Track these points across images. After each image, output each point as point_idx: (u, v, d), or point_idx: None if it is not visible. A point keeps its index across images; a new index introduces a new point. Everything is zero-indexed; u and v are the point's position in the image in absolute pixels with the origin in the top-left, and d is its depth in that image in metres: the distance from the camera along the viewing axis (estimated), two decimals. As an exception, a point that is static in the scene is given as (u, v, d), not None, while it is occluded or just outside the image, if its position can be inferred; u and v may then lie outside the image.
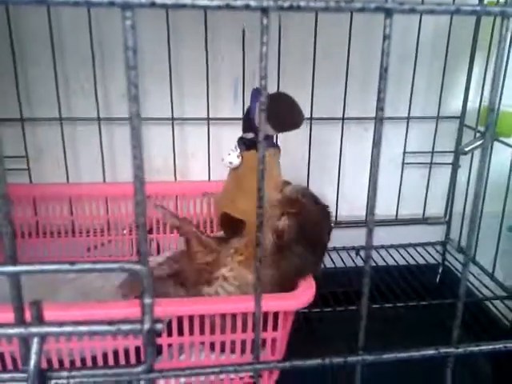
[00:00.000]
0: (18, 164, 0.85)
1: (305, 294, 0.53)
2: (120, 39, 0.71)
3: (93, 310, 0.49)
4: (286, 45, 0.84)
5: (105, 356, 0.53)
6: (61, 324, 0.25)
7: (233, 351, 0.56)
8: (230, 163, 0.65)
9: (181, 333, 0.53)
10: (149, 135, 0.88)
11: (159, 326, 0.25)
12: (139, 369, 0.26)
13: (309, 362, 0.28)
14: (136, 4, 0.21)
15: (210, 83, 0.85)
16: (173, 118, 0.86)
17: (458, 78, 0.91)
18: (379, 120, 0.25)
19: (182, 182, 0.90)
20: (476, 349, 0.30)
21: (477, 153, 0.90)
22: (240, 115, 0.87)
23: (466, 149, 0.87)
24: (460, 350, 0.30)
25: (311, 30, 0.83)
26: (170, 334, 0.53)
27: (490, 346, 0.30)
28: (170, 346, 0.55)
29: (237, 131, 0.88)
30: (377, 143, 0.25)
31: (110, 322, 0.25)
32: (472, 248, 0.28)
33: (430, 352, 0.29)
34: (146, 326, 0.25)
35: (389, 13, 0.23)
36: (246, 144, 0.66)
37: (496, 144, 0.85)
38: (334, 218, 0.96)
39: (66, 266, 0.24)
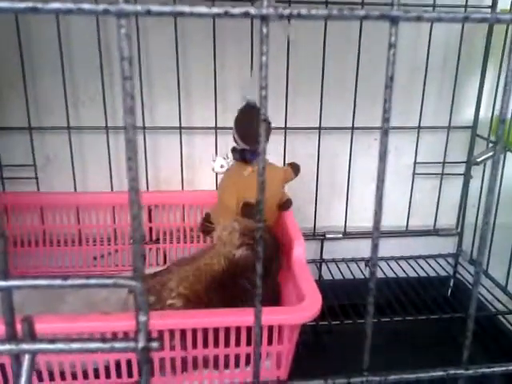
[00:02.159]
0: (26, 173, 0.85)
1: (311, 307, 0.52)
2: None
3: (85, 323, 0.48)
4: (294, 54, 0.84)
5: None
6: (53, 341, 0.24)
7: (237, 365, 0.55)
8: (222, 166, 0.73)
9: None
10: (157, 144, 0.88)
11: (155, 344, 0.24)
12: (134, 388, 0.25)
13: (311, 382, 0.27)
14: (131, 12, 0.20)
15: (218, 93, 0.84)
16: (180, 127, 0.85)
17: (470, 86, 0.90)
18: (384, 131, 0.24)
19: (190, 191, 0.89)
20: (488, 370, 0.29)
21: (489, 163, 0.88)
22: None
23: (478, 159, 0.85)
24: (470, 372, 0.28)
25: (320, 39, 0.83)
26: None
27: (503, 368, 0.29)
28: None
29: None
30: (382, 156, 0.24)
31: (104, 339, 0.24)
32: (484, 262, 0.27)
33: (439, 373, 0.28)
34: (141, 343, 0.24)
35: (394, 21, 0.22)
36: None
37: (509, 154, 0.83)
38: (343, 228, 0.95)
39: (59, 282, 0.24)
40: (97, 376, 0.52)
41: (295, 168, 0.76)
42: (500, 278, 0.87)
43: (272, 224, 0.73)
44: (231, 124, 0.87)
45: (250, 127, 0.67)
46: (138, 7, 0.20)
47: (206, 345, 0.53)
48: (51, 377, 0.52)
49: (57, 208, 0.84)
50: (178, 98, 0.84)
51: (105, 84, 0.82)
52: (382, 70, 0.94)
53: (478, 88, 0.89)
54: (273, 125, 0.87)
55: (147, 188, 0.88)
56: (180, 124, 0.85)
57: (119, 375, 0.52)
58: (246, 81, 0.85)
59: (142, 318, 0.24)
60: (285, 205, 0.74)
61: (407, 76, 0.90)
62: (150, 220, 0.86)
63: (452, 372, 0.28)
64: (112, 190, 0.87)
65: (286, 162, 0.89)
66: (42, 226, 0.85)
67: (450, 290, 0.97)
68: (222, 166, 0.74)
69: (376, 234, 0.25)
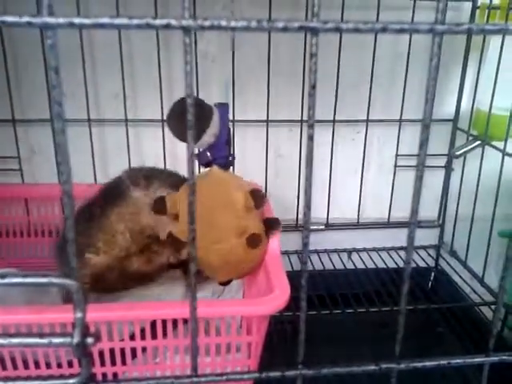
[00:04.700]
0: (11, 164, 0.86)
1: (278, 299, 0.53)
2: (110, 38, 0.71)
3: (30, 315, 0.49)
4: (276, 47, 0.84)
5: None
6: (-7, 335, 0.25)
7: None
8: None
9: (155, 337, 0.54)
10: (139, 137, 0.89)
11: (90, 340, 0.26)
12: (74, 380, 0.27)
13: (246, 375, 0.28)
14: (55, 24, 0.21)
15: (201, 85, 0.85)
16: (163, 121, 0.86)
17: (451, 80, 0.90)
18: (309, 137, 0.24)
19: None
20: (419, 364, 0.30)
21: (469, 156, 0.89)
22: (231, 117, 0.87)
23: (457, 152, 0.86)
24: (402, 366, 0.29)
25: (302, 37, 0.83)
26: (143, 338, 0.54)
27: (434, 362, 0.30)
28: (144, 350, 0.55)
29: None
30: (308, 161, 0.25)
31: (41, 335, 0.26)
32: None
33: (371, 368, 0.29)
34: (76, 339, 0.25)
35: (314, 32, 0.23)
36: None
37: (487, 148, 0.84)
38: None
39: (-3, 280, 0.25)
40: (49, 366, 0.54)
41: (257, 198, 0.61)
42: (479, 270, 0.89)
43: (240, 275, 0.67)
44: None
45: (180, 121, 0.61)
46: (60, 20, 0.21)
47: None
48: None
49: (41, 199, 0.85)
50: (160, 91, 0.84)
51: (87, 76, 0.83)
52: (366, 63, 0.95)
53: (459, 81, 0.89)
54: (255, 117, 0.88)
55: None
56: (162, 117, 0.86)
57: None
58: (228, 75, 0.85)
59: (78, 315, 0.25)
60: (251, 240, 0.60)
61: (389, 69, 0.90)
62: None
63: (384, 366, 0.29)
64: (96, 182, 0.88)
65: (269, 156, 0.90)
66: (26, 217, 0.86)
67: (430, 282, 0.98)
68: None
69: (305, 232, 0.26)
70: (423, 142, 0.27)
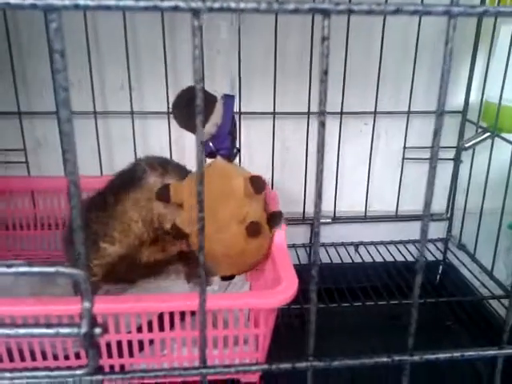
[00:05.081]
0: (17, 157, 0.86)
1: (285, 292, 0.52)
2: (115, 30, 0.70)
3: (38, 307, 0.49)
4: (283, 40, 0.83)
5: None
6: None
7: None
8: None
9: (162, 329, 0.54)
10: (145, 129, 0.89)
11: (98, 330, 0.25)
12: (82, 371, 0.26)
13: (255, 367, 0.28)
14: (59, 6, 0.21)
15: (206, 77, 0.84)
16: (168, 113, 0.86)
17: (460, 72, 0.89)
18: (321, 123, 0.24)
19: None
20: (432, 357, 0.29)
21: (478, 148, 0.88)
22: (236, 109, 0.86)
23: (467, 144, 0.85)
24: (415, 358, 0.29)
25: (308, 25, 0.82)
26: (150, 330, 0.54)
27: (448, 354, 0.29)
28: (151, 342, 0.55)
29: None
30: (319, 148, 0.24)
31: (49, 325, 0.25)
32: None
33: (384, 359, 0.29)
34: (83, 329, 0.25)
35: (326, 13, 0.22)
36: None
37: (497, 140, 0.83)
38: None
39: (3, 269, 0.24)
40: (56, 358, 0.54)
41: (256, 184, 0.61)
42: (488, 263, 0.88)
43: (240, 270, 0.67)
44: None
45: (186, 109, 0.60)
46: (66, 1, 0.21)
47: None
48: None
49: (47, 192, 0.85)
50: (166, 83, 0.84)
51: (92, 68, 0.82)
52: (373, 55, 0.93)
53: (468, 73, 0.88)
54: (262, 110, 0.88)
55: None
56: (168, 109, 0.85)
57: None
58: (234, 68, 0.85)
59: (86, 305, 0.25)
60: (251, 228, 0.60)
61: (397, 60, 0.89)
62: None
63: (397, 358, 0.29)
64: (101, 174, 0.87)
65: (275, 148, 0.90)
66: (33, 209, 0.86)
67: (438, 275, 0.98)
68: None
69: (316, 223, 0.26)
70: (437, 131, 0.26)
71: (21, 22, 0.81)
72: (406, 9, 0.22)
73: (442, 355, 0.29)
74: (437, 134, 0.27)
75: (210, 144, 0.65)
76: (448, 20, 0.24)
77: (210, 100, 0.63)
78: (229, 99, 0.67)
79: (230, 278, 0.67)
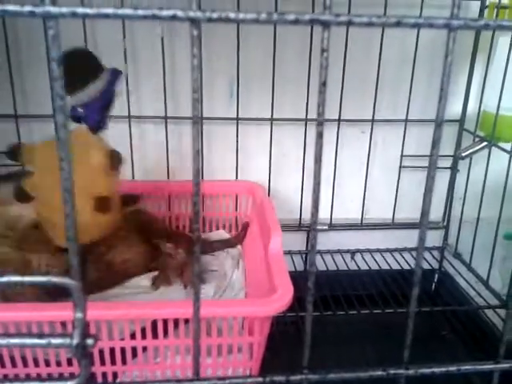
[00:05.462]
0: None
1: (280, 300, 0.52)
2: (115, 34, 0.70)
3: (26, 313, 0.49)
4: (281, 47, 0.83)
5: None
6: (-9, 335, 0.25)
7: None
8: None
9: (155, 336, 0.53)
10: (143, 134, 0.88)
11: (90, 341, 0.25)
12: (73, 382, 0.26)
13: (249, 379, 0.28)
14: (58, 14, 0.20)
15: (205, 83, 0.84)
16: (166, 117, 0.85)
17: (458, 81, 0.89)
18: (319, 134, 0.24)
19: (175, 181, 0.89)
20: (428, 371, 0.29)
21: (476, 157, 0.88)
22: (234, 115, 0.86)
23: (464, 154, 0.85)
24: (410, 372, 0.29)
25: (308, 33, 0.82)
26: (144, 338, 0.53)
27: (443, 369, 0.29)
28: (145, 349, 0.55)
29: (231, 131, 0.88)
30: (317, 158, 0.24)
31: (41, 335, 0.25)
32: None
33: (378, 373, 0.28)
34: (76, 340, 0.24)
35: (326, 25, 0.22)
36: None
37: (494, 149, 0.83)
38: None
39: (-5, 278, 0.24)
40: (48, 364, 0.53)
41: (115, 159, 0.61)
42: (484, 273, 0.88)
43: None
44: (219, 114, 0.88)
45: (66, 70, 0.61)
46: (64, 9, 0.20)
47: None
48: None
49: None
50: (164, 87, 0.83)
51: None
52: (372, 63, 0.93)
53: (466, 82, 0.88)
54: (259, 116, 0.87)
55: (133, 177, 0.88)
56: (166, 113, 0.85)
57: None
58: (233, 73, 0.85)
59: (78, 315, 0.25)
60: (99, 203, 0.60)
61: (395, 69, 0.89)
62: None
63: (392, 372, 0.29)
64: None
65: (272, 155, 0.89)
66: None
67: (434, 284, 0.97)
68: None
69: (313, 233, 0.26)
70: (436, 141, 0.26)
71: (19, 23, 0.80)
72: (406, 21, 0.22)
73: (437, 369, 0.29)
74: (435, 144, 0.27)
75: (80, 110, 0.62)
76: (448, 33, 0.23)
77: (96, 66, 0.61)
78: (114, 73, 0.64)
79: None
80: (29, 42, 0.81)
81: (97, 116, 0.63)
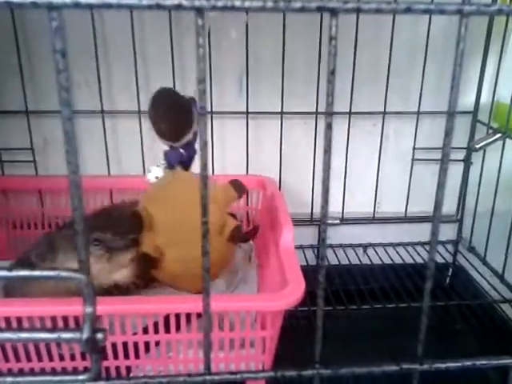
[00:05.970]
0: (24, 156, 0.86)
1: (292, 294, 0.52)
2: (121, 30, 0.70)
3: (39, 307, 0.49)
4: (291, 40, 0.83)
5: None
6: (1, 330, 0.25)
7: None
8: (157, 178, 0.60)
9: (168, 331, 0.53)
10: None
11: (100, 336, 0.25)
12: (84, 376, 0.26)
13: (261, 374, 0.27)
14: (61, 5, 0.20)
15: (214, 76, 0.84)
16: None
17: (471, 71, 0.88)
18: (328, 125, 0.23)
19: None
20: (442, 366, 0.28)
21: (489, 149, 0.87)
22: (244, 109, 0.86)
23: (477, 146, 0.84)
24: (425, 367, 0.28)
25: (317, 23, 0.81)
26: (157, 332, 0.53)
27: (459, 364, 0.29)
28: (158, 343, 0.55)
29: (241, 125, 0.87)
30: (326, 149, 0.24)
31: (51, 330, 0.25)
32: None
33: (392, 368, 0.28)
34: (85, 335, 0.24)
35: (334, 12, 0.21)
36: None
37: (508, 141, 0.82)
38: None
39: (4, 273, 0.24)
40: (62, 359, 0.54)
41: (238, 187, 0.62)
42: (498, 266, 0.86)
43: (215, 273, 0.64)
44: (229, 108, 0.87)
45: (167, 117, 0.57)
46: (67, 0, 0.20)
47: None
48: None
49: (55, 191, 0.85)
50: (173, 81, 0.83)
51: (100, 67, 0.82)
52: (383, 55, 0.92)
53: (479, 73, 0.87)
54: (269, 109, 0.87)
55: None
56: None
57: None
58: (242, 67, 0.84)
59: (88, 309, 0.25)
60: (233, 235, 0.60)
61: (407, 60, 0.88)
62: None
63: (406, 367, 0.28)
64: (109, 174, 0.87)
65: (283, 149, 0.89)
66: (40, 209, 0.86)
67: (448, 278, 0.96)
68: (157, 178, 0.61)
69: (323, 226, 0.25)
70: (449, 131, 0.26)
71: (29, 19, 0.80)
72: (416, 7, 0.22)
73: (452, 364, 0.28)
74: (448, 134, 0.27)
75: (182, 151, 0.61)
76: (460, 19, 0.23)
77: (188, 105, 0.58)
78: (195, 105, 0.61)
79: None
80: (38, 35, 0.82)
81: (194, 152, 0.62)
